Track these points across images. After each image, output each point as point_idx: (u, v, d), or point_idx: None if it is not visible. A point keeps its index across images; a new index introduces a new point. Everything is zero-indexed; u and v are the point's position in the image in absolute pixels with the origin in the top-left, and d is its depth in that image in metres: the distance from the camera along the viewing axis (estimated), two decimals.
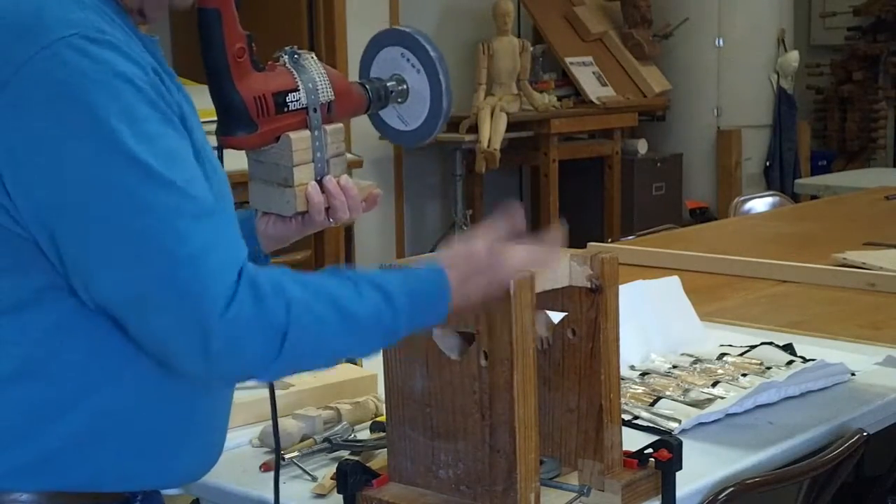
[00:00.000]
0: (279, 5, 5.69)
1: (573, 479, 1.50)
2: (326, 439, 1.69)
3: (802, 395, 1.94)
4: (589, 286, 1.47)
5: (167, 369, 1.25)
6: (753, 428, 1.81)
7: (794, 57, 6.88)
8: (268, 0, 5.75)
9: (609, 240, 4.16)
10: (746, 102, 6.82)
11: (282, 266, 1.27)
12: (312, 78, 1.46)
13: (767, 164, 6.92)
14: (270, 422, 1.75)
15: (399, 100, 1.60)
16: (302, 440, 1.70)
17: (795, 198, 5.45)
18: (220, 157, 1.41)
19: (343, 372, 1.98)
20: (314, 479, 1.61)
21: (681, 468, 1.50)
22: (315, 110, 1.46)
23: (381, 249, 5.89)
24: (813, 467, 1.70)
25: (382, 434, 1.66)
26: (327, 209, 1.49)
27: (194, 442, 1.36)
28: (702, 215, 6.53)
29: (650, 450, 1.50)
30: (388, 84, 1.59)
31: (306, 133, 1.46)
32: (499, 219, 1.37)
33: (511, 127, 5.79)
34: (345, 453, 1.67)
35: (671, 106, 6.80)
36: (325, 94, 1.47)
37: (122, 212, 1.15)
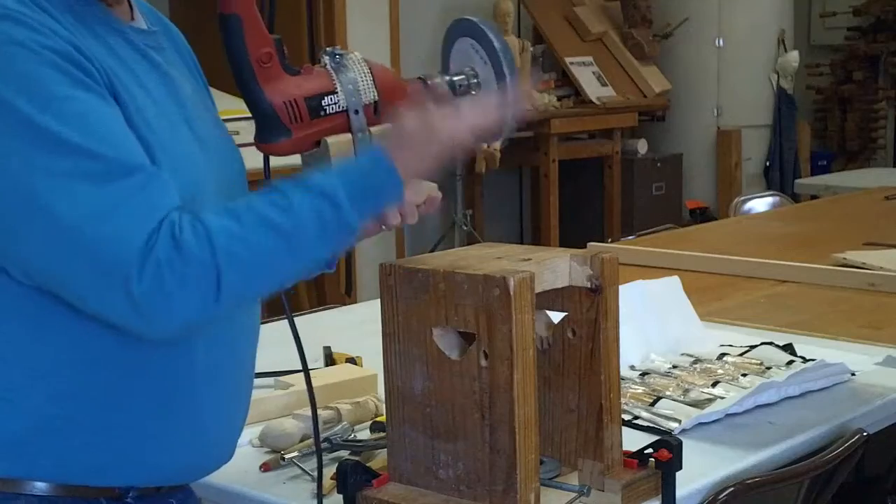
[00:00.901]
0: (279, 5, 5.69)
1: (573, 480, 1.50)
2: (326, 439, 1.69)
3: (802, 395, 1.94)
4: (589, 286, 1.47)
5: (125, 347, 1.24)
6: (753, 428, 1.81)
7: (794, 57, 6.88)
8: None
9: (609, 240, 4.16)
10: (746, 102, 6.82)
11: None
12: (353, 78, 1.39)
13: (767, 164, 6.92)
14: (270, 422, 1.76)
15: (472, 93, 1.48)
16: (302, 440, 1.70)
17: (795, 198, 5.45)
18: (267, 167, 1.41)
19: (343, 372, 1.98)
20: (314, 479, 1.61)
21: (681, 468, 1.50)
22: (357, 112, 1.38)
23: (381, 249, 5.89)
24: (813, 467, 1.70)
25: (382, 434, 1.66)
26: None
27: (173, 430, 1.33)
28: (702, 215, 6.54)
29: (650, 450, 1.50)
30: (457, 78, 1.48)
31: (347, 137, 1.39)
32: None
33: None
34: (345, 453, 1.67)
35: (671, 106, 6.80)
36: (368, 94, 1.39)
37: (14, 180, 1.15)
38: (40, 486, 1.27)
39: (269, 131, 1.37)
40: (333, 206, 1.24)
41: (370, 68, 1.39)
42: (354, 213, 1.26)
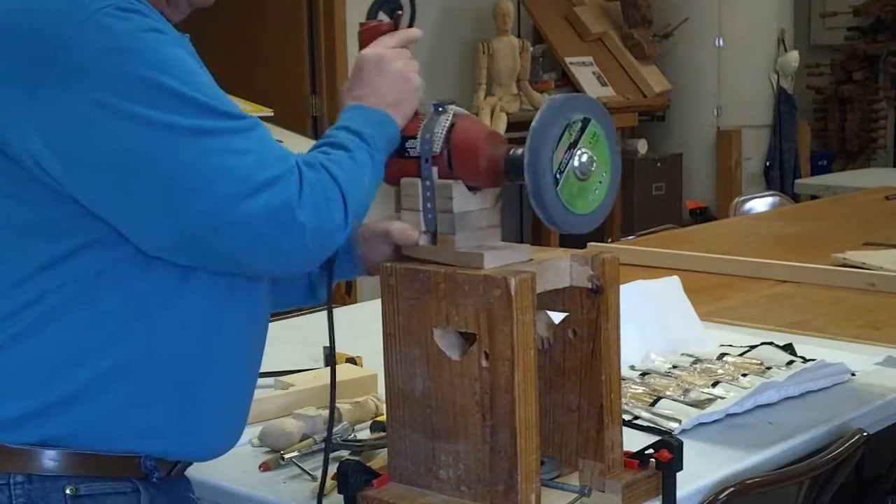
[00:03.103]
0: (279, 5, 5.69)
1: (574, 480, 1.50)
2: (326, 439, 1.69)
3: (802, 395, 1.95)
4: (589, 286, 1.47)
5: (161, 321, 1.34)
6: (753, 428, 1.81)
7: (794, 57, 6.88)
8: (267, 0, 5.75)
9: (609, 240, 4.16)
10: (746, 102, 6.82)
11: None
12: (432, 129, 1.44)
13: (767, 164, 6.92)
14: (270, 422, 1.76)
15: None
16: (302, 440, 1.70)
17: (795, 198, 5.45)
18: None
19: (343, 372, 1.98)
20: (314, 478, 1.61)
21: (681, 468, 1.50)
22: (427, 160, 1.45)
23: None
24: (813, 467, 1.70)
25: (382, 434, 1.66)
26: None
27: (213, 403, 1.40)
28: (702, 215, 6.53)
29: (651, 450, 1.50)
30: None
31: (415, 181, 1.46)
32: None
33: (511, 127, 5.79)
34: (345, 453, 1.67)
35: (671, 106, 6.80)
36: (437, 146, 1.44)
37: (181, 145, 1.25)
38: (72, 460, 1.32)
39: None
40: (373, 153, 1.41)
41: (454, 123, 1.44)
42: (379, 145, 1.43)
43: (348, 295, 5.02)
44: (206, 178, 1.24)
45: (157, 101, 1.24)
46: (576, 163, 1.39)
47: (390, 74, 1.47)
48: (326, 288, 1.50)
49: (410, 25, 1.50)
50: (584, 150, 1.39)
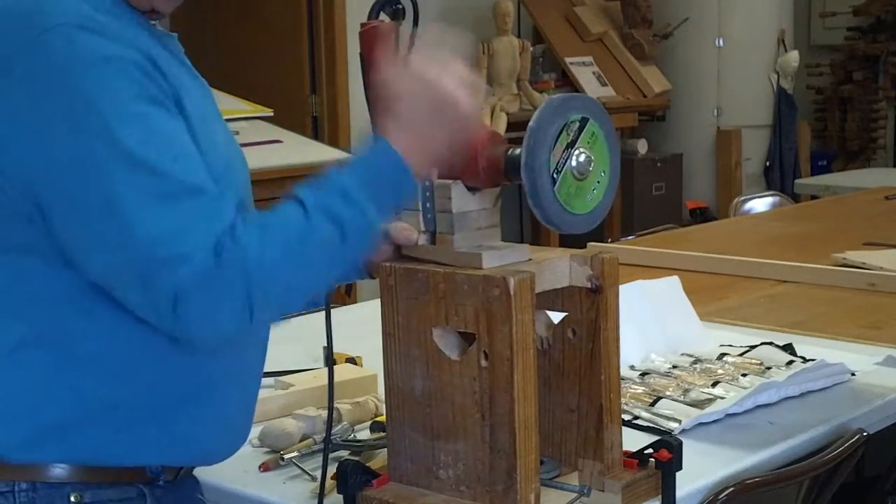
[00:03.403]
0: (279, 5, 5.69)
1: (573, 480, 1.50)
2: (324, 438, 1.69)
3: (802, 395, 1.94)
4: (589, 286, 1.47)
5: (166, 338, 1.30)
6: (753, 428, 1.81)
7: (794, 57, 6.88)
8: (267, 0, 5.75)
9: (609, 240, 4.16)
10: (746, 102, 6.82)
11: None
12: None
13: (767, 164, 6.92)
14: (270, 422, 1.76)
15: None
16: (302, 440, 1.70)
17: (795, 198, 5.45)
18: None
19: (343, 372, 1.98)
20: (314, 479, 1.61)
21: (681, 468, 1.50)
22: None
23: None
24: (813, 467, 1.70)
25: (382, 434, 1.66)
26: None
27: (209, 412, 1.38)
28: (702, 215, 6.53)
29: (650, 450, 1.50)
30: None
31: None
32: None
33: (511, 127, 5.79)
34: (345, 453, 1.67)
35: (671, 106, 6.80)
36: None
37: (92, 190, 1.21)
38: (79, 470, 1.31)
39: None
40: (356, 209, 1.28)
41: None
42: (375, 213, 1.30)
43: (348, 295, 5.01)
44: (107, 224, 1.21)
45: (87, 126, 1.21)
46: (573, 162, 1.38)
47: (422, 95, 1.33)
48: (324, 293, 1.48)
49: (413, 25, 1.49)
50: (581, 149, 1.39)
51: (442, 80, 1.34)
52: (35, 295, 1.29)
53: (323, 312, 1.58)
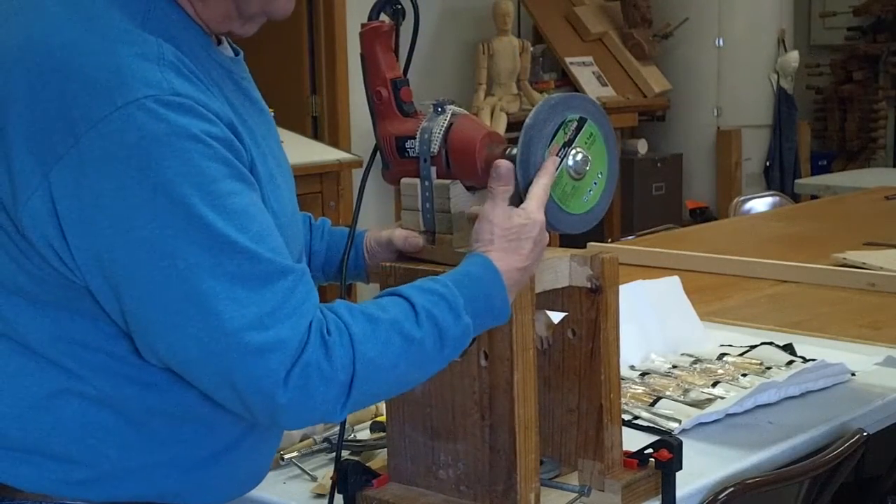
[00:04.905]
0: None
1: (573, 480, 1.50)
2: (326, 439, 1.69)
3: (802, 395, 1.94)
4: (589, 286, 1.47)
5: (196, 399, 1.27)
6: (753, 428, 1.81)
7: (794, 57, 6.88)
8: None
9: (609, 240, 4.16)
10: (746, 102, 6.82)
11: (344, 300, 1.28)
12: (430, 129, 1.43)
13: (767, 164, 6.92)
14: None
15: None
16: (302, 440, 1.70)
17: (795, 198, 5.45)
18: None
19: None
20: (314, 479, 1.61)
21: (681, 468, 1.50)
22: (425, 160, 1.44)
23: None
24: (813, 467, 1.70)
25: (382, 434, 1.66)
26: None
27: (242, 467, 1.37)
28: (702, 215, 6.53)
29: (650, 450, 1.50)
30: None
31: (414, 181, 1.45)
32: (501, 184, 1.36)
33: (511, 127, 5.79)
34: (345, 453, 1.67)
35: (671, 106, 6.80)
36: (435, 145, 1.43)
37: (179, 277, 1.15)
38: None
39: (382, 160, 1.49)
40: (461, 326, 1.28)
41: (452, 123, 1.43)
42: (473, 328, 1.30)
43: (348, 295, 5.00)
44: (190, 315, 1.16)
45: (169, 220, 1.15)
46: (570, 162, 1.38)
47: (533, 234, 1.35)
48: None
49: (414, 26, 1.48)
50: (579, 149, 1.39)
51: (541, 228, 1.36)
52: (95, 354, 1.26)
53: None
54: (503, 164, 1.36)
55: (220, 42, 1.38)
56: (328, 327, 1.20)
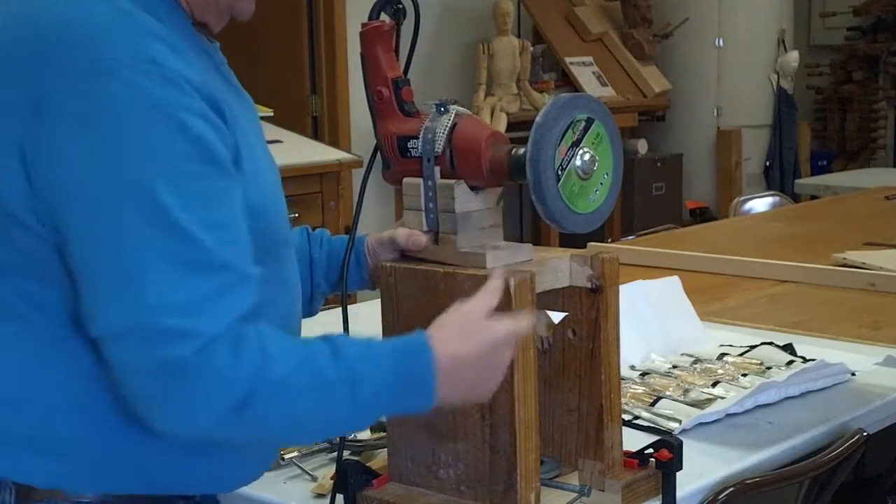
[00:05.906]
0: (279, 5, 5.69)
1: (573, 479, 1.50)
2: (326, 439, 1.69)
3: (802, 395, 1.95)
4: (589, 286, 1.47)
5: None
6: (753, 428, 1.81)
7: (794, 57, 6.88)
8: (267, 0, 5.75)
9: (609, 240, 4.16)
10: (746, 102, 6.82)
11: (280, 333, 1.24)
12: (433, 129, 1.43)
13: (767, 164, 6.92)
14: None
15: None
16: None
17: (795, 198, 5.45)
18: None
19: None
20: (314, 479, 1.61)
21: (681, 468, 1.50)
22: (429, 160, 1.44)
23: None
24: (813, 467, 1.70)
25: (382, 434, 1.66)
26: None
27: (247, 452, 1.37)
28: (702, 215, 6.53)
29: (650, 450, 1.50)
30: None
31: (417, 181, 1.45)
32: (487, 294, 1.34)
33: (511, 127, 5.79)
34: (345, 453, 1.67)
35: (671, 106, 6.80)
36: (439, 145, 1.43)
37: (120, 246, 1.15)
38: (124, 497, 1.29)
39: (382, 159, 1.50)
40: (375, 387, 1.25)
41: (456, 123, 1.43)
42: (385, 405, 1.29)
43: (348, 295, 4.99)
44: (120, 285, 1.15)
45: (125, 190, 1.15)
46: (578, 161, 1.39)
47: (485, 369, 1.32)
48: (341, 308, 1.49)
49: (415, 26, 1.49)
50: (586, 149, 1.39)
51: (506, 348, 1.32)
52: None
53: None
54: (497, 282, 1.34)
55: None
56: (246, 337, 1.17)
